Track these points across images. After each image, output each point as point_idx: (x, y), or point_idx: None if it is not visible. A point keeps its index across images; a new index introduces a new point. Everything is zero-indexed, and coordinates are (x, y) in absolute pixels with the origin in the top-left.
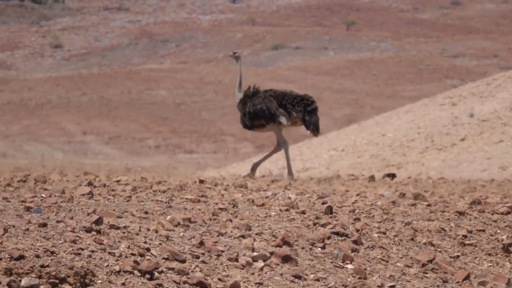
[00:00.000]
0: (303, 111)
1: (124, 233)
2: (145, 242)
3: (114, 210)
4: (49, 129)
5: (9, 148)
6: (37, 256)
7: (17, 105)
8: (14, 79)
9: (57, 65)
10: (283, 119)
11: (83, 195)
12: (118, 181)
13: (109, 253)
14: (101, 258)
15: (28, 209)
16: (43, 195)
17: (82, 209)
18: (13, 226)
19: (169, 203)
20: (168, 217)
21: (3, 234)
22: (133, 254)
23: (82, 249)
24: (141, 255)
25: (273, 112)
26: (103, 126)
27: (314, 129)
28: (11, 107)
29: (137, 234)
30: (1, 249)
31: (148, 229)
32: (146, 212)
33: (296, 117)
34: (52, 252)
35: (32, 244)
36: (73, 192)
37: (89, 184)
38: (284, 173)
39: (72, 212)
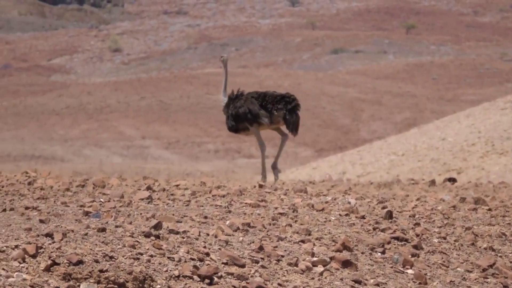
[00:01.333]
0: (284, 109)
1: (183, 238)
2: (205, 247)
3: (173, 214)
4: (108, 134)
5: (68, 152)
6: (96, 261)
7: (76, 109)
8: (73, 83)
9: (116, 70)
10: (264, 120)
11: (142, 199)
12: (177, 185)
13: (168, 258)
14: (160, 263)
15: (87, 213)
16: (102, 199)
17: (141, 213)
18: (72, 231)
19: (228, 207)
20: (228, 222)
21: (62, 239)
22: (192, 259)
23: (141, 254)
24: (201, 260)
25: (255, 113)
26: (162, 131)
27: (293, 129)
28: (70, 112)
29: (197, 239)
30: (59, 254)
31: (208, 234)
32: (205, 217)
33: (278, 115)
34: (111, 257)
35: (91, 249)
36: (132, 196)
37: (148, 188)
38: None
39: (131, 217)
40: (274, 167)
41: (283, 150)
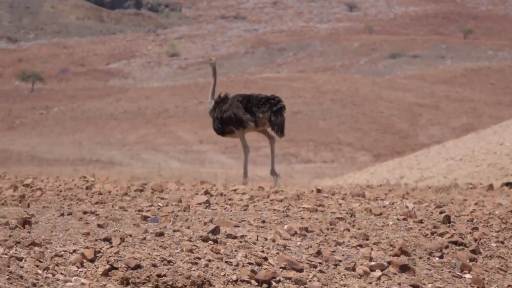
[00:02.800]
0: (269, 111)
1: (241, 242)
2: (263, 251)
3: (231, 219)
4: (165, 138)
5: (126, 157)
6: (154, 266)
7: (134, 114)
8: (131, 88)
9: (173, 74)
10: (250, 124)
11: (200, 204)
12: (235, 190)
13: (226, 262)
14: (218, 267)
15: (145, 218)
16: (160, 204)
17: (199, 218)
18: (130, 235)
19: (286, 212)
20: (286, 226)
21: (120, 243)
22: (250, 263)
23: (199, 258)
24: (259, 264)
25: (240, 118)
26: (219, 136)
27: (278, 130)
28: (128, 116)
29: (254, 244)
30: (117, 259)
31: (266, 238)
32: (263, 221)
33: (263, 117)
34: (169, 261)
35: (149, 254)
36: (190, 201)
37: (206, 193)
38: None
39: (189, 221)
40: (273, 173)
41: (276, 153)
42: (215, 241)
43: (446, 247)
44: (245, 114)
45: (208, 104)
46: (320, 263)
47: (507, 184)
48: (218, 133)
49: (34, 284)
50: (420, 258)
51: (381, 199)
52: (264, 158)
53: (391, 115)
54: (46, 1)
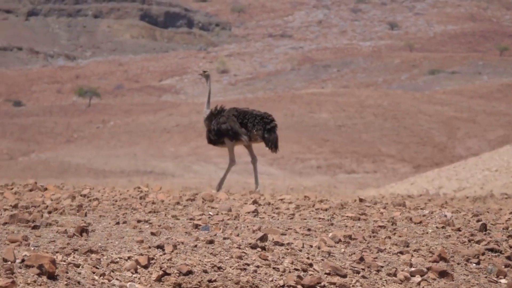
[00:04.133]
0: (263, 129)
1: (287, 249)
2: (308, 258)
3: (278, 227)
4: (216, 150)
5: (178, 168)
6: (205, 272)
7: (185, 127)
8: (182, 103)
9: (223, 90)
10: (244, 138)
11: (249, 213)
12: (282, 199)
13: (274, 268)
14: (265, 273)
15: (196, 226)
16: (210, 213)
17: (247, 226)
18: (182, 243)
19: (330, 220)
20: (330, 234)
21: (172, 251)
22: (296, 269)
23: (248, 265)
24: (304, 270)
25: (236, 131)
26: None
27: (273, 146)
28: (180, 130)
29: (300, 250)
30: (170, 265)
31: (311, 246)
32: (309, 229)
33: (256, 134)
34: (219, 268)
35: (200, 260)
36: (239, 210)
37: (255, 202)
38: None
39: (238, 229)
40: (256, 183)
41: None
42: (263, 248)
43: (483, 254)
44: (241, 128)
45: (203, 113)
46: (362, 269)
47: None
48: (211, 143)
49: None
50: (458, 264)
51: (421, 208)
52: (310, 170)
53: (431, 128)
54: (102, 21)
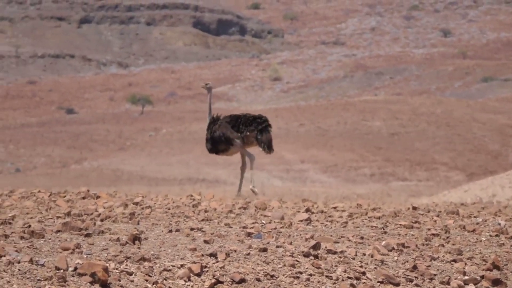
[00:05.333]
0: (256, 130)
1: (340, 257)
2: (361, 266)
3: (331, 235)
4: (268, 158)
5: (230, 176)
6: (258, 280)
7: None
8: (235, 110)
9: (276, 97)
10: (237, 142)
11: (302, 221)
12: (335, 207)
13: (327, 276)
14: (318, 282)
15: (249, 234)
16: (263, 221)
17: (300, 234)
18: (235, 251)
19: (383, 229)
20: (383, 242)
21: (225, 259)
22: (349, 278)
23: (301, 273)
24: (357, 279)
25: (228, 136)
26: (320, 155)
27: (266, 147)
28: None
29: (353, 259)
30: (223, 273)
31: (364, 254)
32: (361, 238)
33: (250, 136)
34: (272, 276)
35: (252, 268)
36: (292, 218)
37: (307, 210)
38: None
39: (291, 238)
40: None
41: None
42: (316, 257)
43: None
44: (233, 133)
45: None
46: (416, 277)
47: None
48: (212, 152)
49: None
50: None
51: (474, 216)
52: (363, 177)
53: (484, 136)
54: (155, 28)
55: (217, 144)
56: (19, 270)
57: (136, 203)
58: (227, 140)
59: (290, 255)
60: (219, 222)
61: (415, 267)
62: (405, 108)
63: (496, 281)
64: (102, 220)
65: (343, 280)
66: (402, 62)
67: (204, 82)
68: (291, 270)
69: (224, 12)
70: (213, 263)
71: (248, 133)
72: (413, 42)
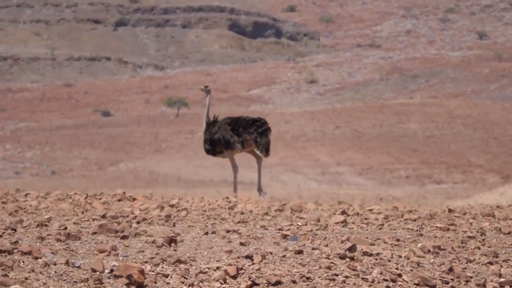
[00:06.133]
0: (255, 133)
1: (376, 259)
2: (397, 268)
3: (367, 237)
4: (304, 161)
5: (266, 178)
6: (294, 282)
7: (274, 137)
8: (271, 112)
9: (312, 100)
10: (237, 146)
11: (337, 223)
12: (371, 210)
13: (362, 278)
14: (354, 284)
15: (285, 236)
16: (299, 223)
17: (336, 236)
18: (271, 253)
19: (419, 231)
20: (419, 245)
21: (261, 261)
22: (385, 280)
23: (336, 275)
24: (393, 281)
25: (227, 140)
26: (356, 158)
27: (263, 150)
28: None
29: (389, 261)
30: (259, 275)
31: (400, 256)
32: (397, 240)
33: (249, 139)
34: (308, 278)
35: (288, 270)
36: (328, 220)
37: (343, 213)
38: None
39: (327, 240)
40: (259, 189)
41: (262, 171)
42: (352, 259)
43: None
44: (233, 137)
45: (202, 127)
46: (452, 279)
47: None
48: (209, 153)
49: None
50: None
51: (510, 219)
52: (399, 180)
53: None
54: (191, 31)
55: (216, 146)
56: (55, 272)
57: (172, 205)
58: (227, 143)
59: (326, 257)
60: (255, 224)
61: (451, 269)
62: (440, 111)
63: None
64: (138, 222)
65: (379, 282)
66: (437, 64)
67: (203, 84)
68: (327, 272)
69: (260, 14)
70: (249, 265)
71: (247, 136)
72: (449, 44)
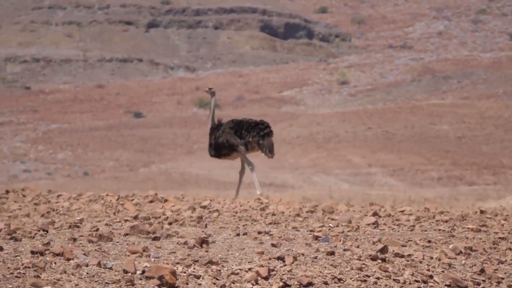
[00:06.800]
0: (258, 136)
1: (408, 261)
2: (428, 270)
3: (398, 239)
4: (336, 162)
5: (298, 179)
6: (325, 283)
7: (305, 139)
8: (302, 114)
9: (343, 101)
10: (241, 148)
11: (369, 224)
12: (402, 211)
13: (394, 280)
14: (386, 285)
15: (316, 238)
16: (330, 224)
17: (367, 238)
18: (302, 254)
19: (451, 232)
20: (451, 246)
21: (292, 262)
22: (416, 281)
23: (368, 276)
24: (424, 282)
25: (232, 143)
26: (387, 159)
27: (267, 151)
28: (300, 141)
29: (421, 262)
30: (290, 276)
31: (431, 257)
32: (429, 241)
33: (253, 141)
34: (339, 279)
35: (320, 272)
36: (359, 221)
37: (375, 214)
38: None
39: (358, 241)
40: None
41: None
42: (383, 260)
43: None
44: (236, 139)
45: (208, 129)
46: (483, 280)
47: None
48: (214, 156)
49: None
50: None
51: None
52: (430, 181)
53: None
54: (222, 32)
55: (221, 149)
56: (87, 273)
57: (204, 207)
58: (231, 146)
59: (357, 259)
60: (286, 225)
61: (482, 271)
62: (472, 112)
63: None
64: (170, 224)
65: (410, 283)
66: (469, 66)
67: (208, 86)
68: (358, 274)
69: (291, 16)
70: (281, 267)
71: (250, 139)
72: (480, 46)
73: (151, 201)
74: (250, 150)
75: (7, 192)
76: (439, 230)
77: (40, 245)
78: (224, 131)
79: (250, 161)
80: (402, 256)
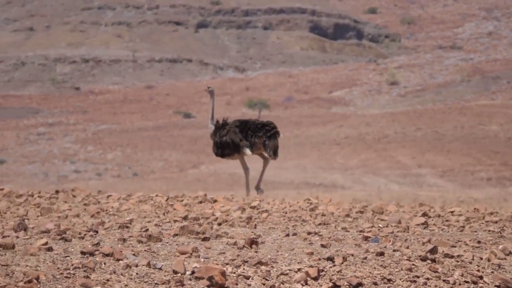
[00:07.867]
0: (264, 136)
1: (457, 261)
2: (478, 270)
3: (448, 239)
4: (385, 162)
5: (347, 180)
6: (375, 284)
7: (355, 139)
8: (352, 114)
9: (393, 102)
10: (246, 150)
11: (418, 225)
12: (452, 212)
13: (444, 280)
14: (435, 286)
15: (366, 238)
16: (380, 225)
17: (417, 238)
18: (352, 255)
19: (501, 233)
20: (500, 247)
21: (342, 263)
22: (466, 282)
23: (418, 277)
24: (474, 283)
25: (237, 143)
26: (437, 160)
27: (271, 152)
28: (349, 142)
29: (470, 263)
30: (340, 277)
31: (481, 258)
32: (478, 242)
33: (258, 142)
34: (389, 280)
35: (369, 272)
36: (409, 222)
37: (424, 214)
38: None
39: (408, 242)
40: (258, 188)
41: (265, 173)
42: (433, 261)
43: None
44: (242, 141)
45: (209, 128)
46: None
47: None
48: (218, 155)
49: None
50: None
51: None
52: (480, 182)
53: None
54: (272, 33)
55: (225, 149)
56: (136, 273)
57: (253, 207)
58: (236, 147)
59: (407, 259)
60: (336, 226)
61: None
62: None
63: None
64: (219, 224)
65: (460, 284)
66: None
67: (207, 85)
68: (408, 274)
69: (341, 16)
70: (330, 267)
71: (256, 140)
72: None
73: (200, 202)
74: (255, 151)
75: (57, 192)
76: (489, 231)
77: (90, 246)
78: (230, 131)
79: (247, 166)
80: (452, 257)
